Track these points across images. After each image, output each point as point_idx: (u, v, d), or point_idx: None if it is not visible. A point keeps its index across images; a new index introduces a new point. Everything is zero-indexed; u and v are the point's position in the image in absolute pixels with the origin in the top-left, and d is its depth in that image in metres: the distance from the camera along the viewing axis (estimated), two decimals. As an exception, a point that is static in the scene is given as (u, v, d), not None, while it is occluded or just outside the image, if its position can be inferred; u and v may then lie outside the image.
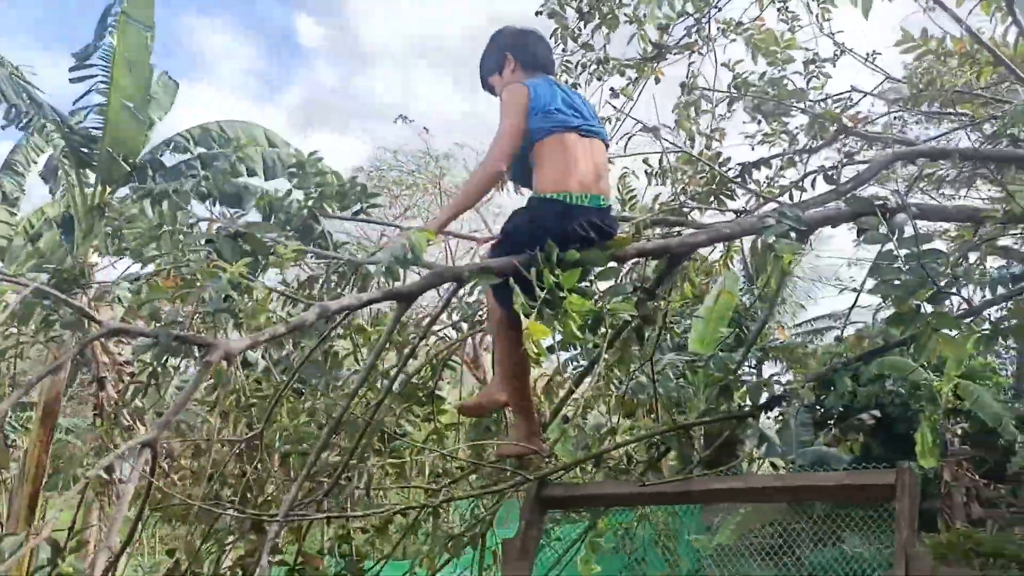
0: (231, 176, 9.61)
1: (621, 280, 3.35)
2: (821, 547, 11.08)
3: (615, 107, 5.20)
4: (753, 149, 5.31)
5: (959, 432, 11.32)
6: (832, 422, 13.54)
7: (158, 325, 3.26)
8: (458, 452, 4.12)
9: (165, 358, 3.76)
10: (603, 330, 3.08)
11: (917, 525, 2.40)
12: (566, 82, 5.30)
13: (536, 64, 3.65)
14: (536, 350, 2.72)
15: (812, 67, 5.17)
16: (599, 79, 5.35)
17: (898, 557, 2.31)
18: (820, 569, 10.71)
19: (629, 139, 4.89)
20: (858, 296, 4.64)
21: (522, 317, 2.82)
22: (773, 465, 12.66)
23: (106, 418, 7.25)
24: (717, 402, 3.71)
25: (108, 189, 9.73)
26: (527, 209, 3.32)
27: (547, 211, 3.21)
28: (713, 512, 12.56)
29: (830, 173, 4.60)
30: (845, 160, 5.01)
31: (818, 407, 13.33)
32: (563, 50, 5.37)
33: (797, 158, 5.15)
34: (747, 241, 5.70)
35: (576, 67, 5.38)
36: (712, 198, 4.99)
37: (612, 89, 5.29)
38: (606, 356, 3.62)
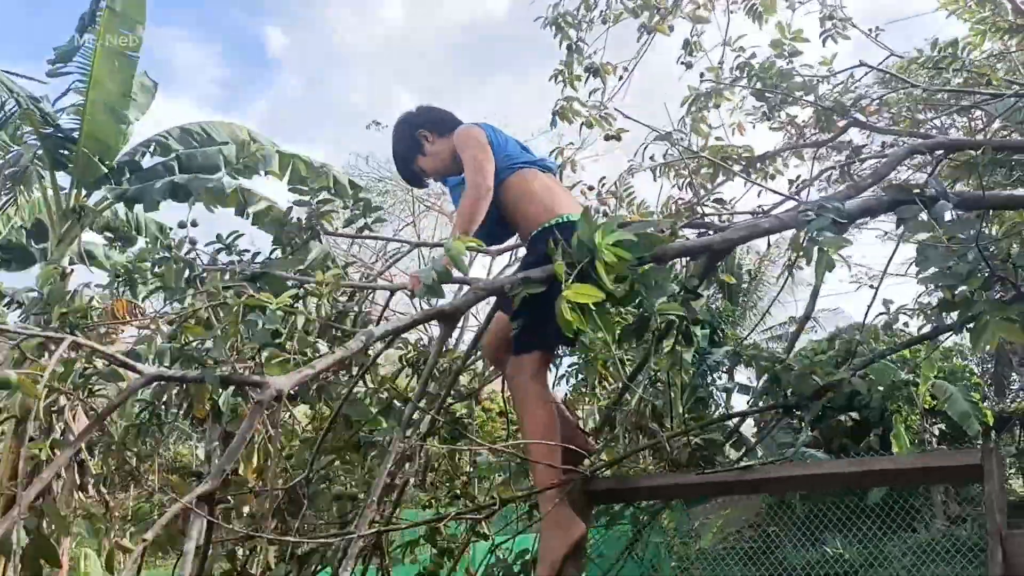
0: (208, 173, 9.25)
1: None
2: (803, 549, 11.09)
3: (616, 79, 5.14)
4: (753, 126, 5.22)
5: (936, 432, 11.45)
6: (809, 424, 13.58)
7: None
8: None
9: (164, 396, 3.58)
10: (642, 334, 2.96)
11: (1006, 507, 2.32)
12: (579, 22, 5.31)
13: (448, 127, 3.55)
14: (575, 320, 2.51)
15: (829, 24, 4.98)
16: (604, 22, 5.28)
17: (992, 542, 2.23)
18: (802, 571, 10.71)
19: (645, 148, 4.83)
20: (877, 290, 4.62)
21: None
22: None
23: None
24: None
25: (84, 192, 9.33)
26: (540, 239, 3.17)
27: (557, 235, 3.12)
28: (694, 515, 12.51)
29: (845, 168, 4.58)
30: (854, 156, 4.98)
31: (795, 409, 13.40)
32: None
33: (804, 152, 5.10)
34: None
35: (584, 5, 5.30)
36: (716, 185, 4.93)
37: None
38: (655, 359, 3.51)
